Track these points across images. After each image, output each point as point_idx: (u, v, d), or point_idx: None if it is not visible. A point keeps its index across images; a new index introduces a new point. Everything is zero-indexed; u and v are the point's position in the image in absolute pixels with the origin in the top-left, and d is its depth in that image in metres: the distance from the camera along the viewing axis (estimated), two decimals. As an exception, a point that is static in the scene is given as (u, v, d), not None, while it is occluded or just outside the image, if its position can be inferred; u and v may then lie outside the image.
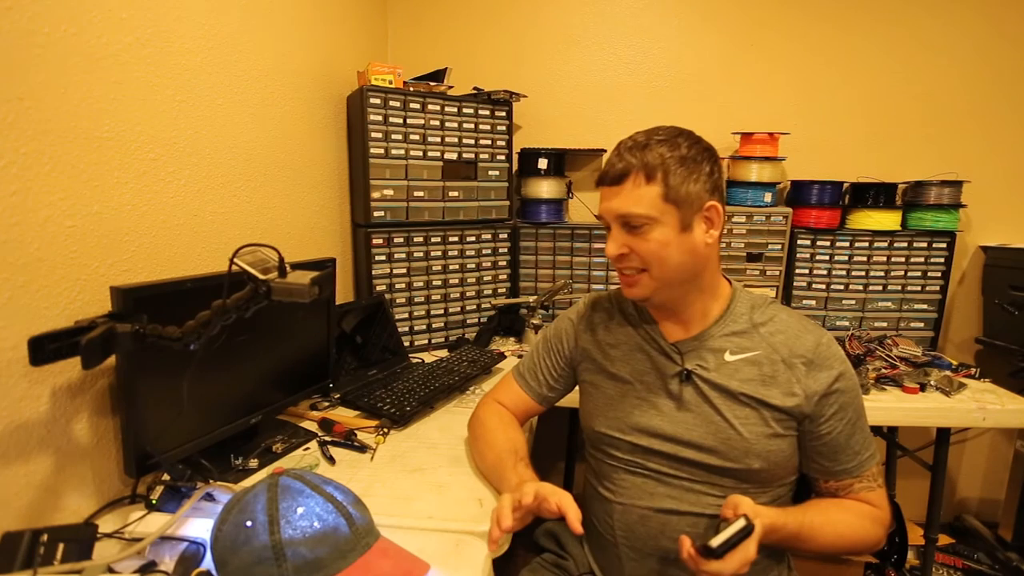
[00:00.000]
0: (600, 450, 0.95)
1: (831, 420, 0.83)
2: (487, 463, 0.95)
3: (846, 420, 0.84)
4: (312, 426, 1.16)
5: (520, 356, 1.68)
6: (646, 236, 0.82)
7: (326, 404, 1.28)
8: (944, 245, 1.79)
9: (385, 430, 1.12)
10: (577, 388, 1.05)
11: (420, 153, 1.67)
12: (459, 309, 1.83)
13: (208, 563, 0.66)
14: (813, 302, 1.85)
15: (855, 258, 1.82)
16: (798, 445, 0.86)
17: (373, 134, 1.58)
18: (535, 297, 1.85)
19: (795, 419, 0.84)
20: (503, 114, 1.83)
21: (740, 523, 0.71)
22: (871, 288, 1.83)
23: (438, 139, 1.70)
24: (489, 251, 1.86)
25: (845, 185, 1.87)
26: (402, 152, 1.63)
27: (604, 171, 0.85)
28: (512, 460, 0.90)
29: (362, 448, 1.06)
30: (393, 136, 1.61)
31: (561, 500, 0.75)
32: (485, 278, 1.87)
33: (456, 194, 1.75)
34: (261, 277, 0.74)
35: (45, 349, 0.70)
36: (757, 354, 0.86)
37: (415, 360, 1.60)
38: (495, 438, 0.97)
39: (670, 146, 0.82)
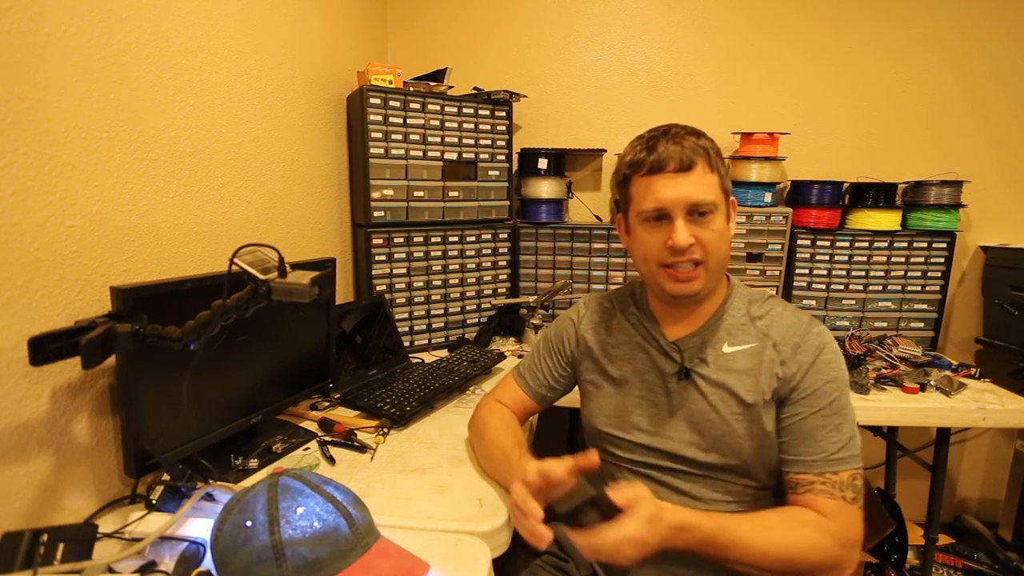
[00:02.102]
0: (602, 448, 0.95)
1: (799, 404, 0.81)
2: (493, 460, 0.95)
3: (817, 409, 0.80)
4: (312, 426, 1.16)
5: (520, 356, 1.68)
6: (710, 225, 0.81)
7: (326, 404, 1.28)
8: (944, 245, 1.79)
9: (385, 430, 1.12)
10: (577, 388, 1.05)
11: (420, 153, 1.67)
12: (459, 309, 1.83)
13: (208, 563, 0.66)
14: (813, 302, 1.85)
15: (855, 258, 1.82)
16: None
17: (373, 134, 1.58)
18: (535, 297, 1.85)
19: (777, 405, 0.83)
20: (503, 114, 1.82)
21: (589, 492, 0.66)
22: (871, 288, 1.82)
23: (438, 139, 1.70)
24: (489, 251, 1.86)
25: (845, 185, 1.87)
26: (402, 152, 1.63)
27: (659, 160, 0.81)
28: (518, 453, 0.90)
29: (362, 448, 1.06)
30: (393, 136, 1.61)
31: (563, 462, 0.71)
32: (485, 278, 1.87)
33: (456, 194, 1.75)
34: (261, 277, 0.74)
35: (45, 349, 0.70)
36: (753, 346, 0.86)
37: (415, 360, 1.60)
38: (499, 436, 0.97)
39: (707, 139, 0.84)
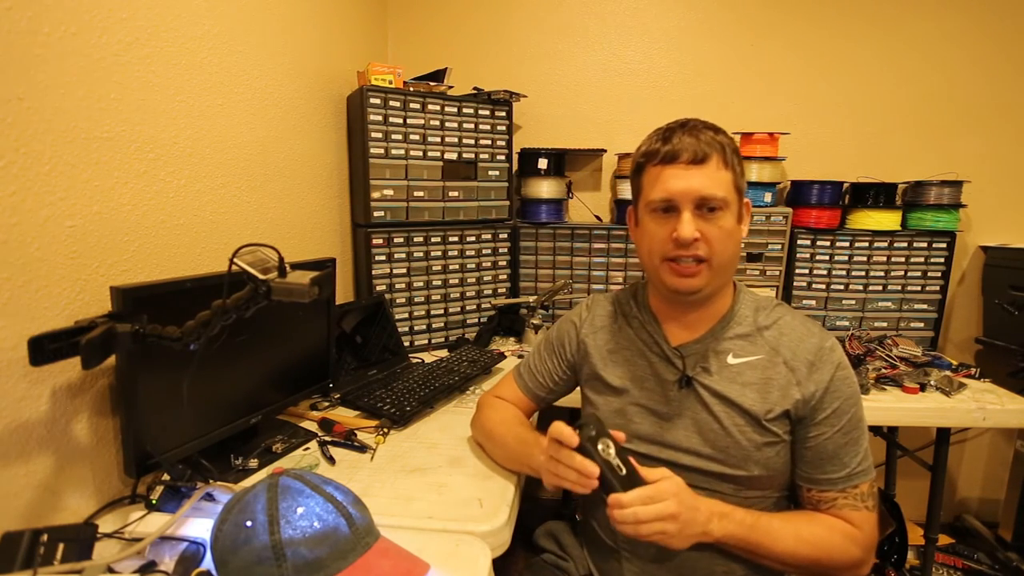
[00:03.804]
0: None
1: (822, 424, 0.81)
2: (509, 449, 0.96)
3: (839, 428, 0.80)
4: (312, 426, 1.16)
5: (520, 356, 1.68)
6: (718, 222, 0.79)
7: (326, 404, 1.28)
8: (944, 245, 1.79)
9: (385, 430, 1.12)
10: (578, 389, 1.04)
11: (420, 153, 1.67)
12: (459, 309, 1.83)
13: (208, 563, 0.66)
14: (813, 302, 1.85)
15: (855, 258, 1.82)
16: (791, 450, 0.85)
17: (373, 134, 1.58)
18: (535, 297, 1.85)
19: (791, 423, 0.83)
20: (503, 114, 1.82)
21: (620, 471, 0.71)
22: (871, 288, 1.82)
23: (438, 139, 1.70)
24: (489, 251, 1.86)
25: (845, 185, 1.87)
26: (402, 152, 1.63)
27: (673, 150, 0.79)
28: (535, 437, 0.91)
29: (362, 448, 1.06)
30: (393, 136, 1.61)
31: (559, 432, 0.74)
32: (485, 278, 1.87)
33: (456, 194, 1.75)
34: (261, 277, 0.74)
35: (45, 349, 0.70)
36: (760, 358, 0.84)
37: (415, 360, 1.60)
38: (510, 427, 0.98)
39: (726, 136, 0.82)
